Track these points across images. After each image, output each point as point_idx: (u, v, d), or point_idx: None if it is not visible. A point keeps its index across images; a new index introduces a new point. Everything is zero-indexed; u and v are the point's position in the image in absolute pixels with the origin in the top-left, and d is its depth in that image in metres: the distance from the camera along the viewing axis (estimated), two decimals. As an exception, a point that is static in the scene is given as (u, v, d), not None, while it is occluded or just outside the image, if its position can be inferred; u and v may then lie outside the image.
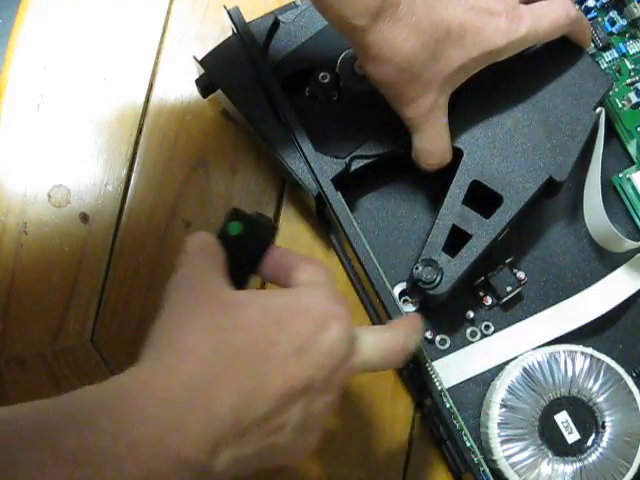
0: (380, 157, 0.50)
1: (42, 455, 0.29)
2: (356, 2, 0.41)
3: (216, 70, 0.50)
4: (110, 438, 0.30)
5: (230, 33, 0.52)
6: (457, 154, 0.49)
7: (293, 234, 0.54)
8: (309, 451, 0.37)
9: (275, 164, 0.54)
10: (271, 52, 0.51)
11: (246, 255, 0.41)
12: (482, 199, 0.48)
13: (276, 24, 0.51)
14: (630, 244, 0.49)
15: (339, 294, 0.39)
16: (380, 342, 0.39)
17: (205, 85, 0.51)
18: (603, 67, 0.54)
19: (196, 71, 0.53)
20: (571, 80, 0.50)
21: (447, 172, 0.49)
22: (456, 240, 0.48)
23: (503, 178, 0.48)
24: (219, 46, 0.51)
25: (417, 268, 0.47)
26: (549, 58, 0.49)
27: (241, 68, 0.50)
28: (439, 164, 0.48)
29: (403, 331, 0.41)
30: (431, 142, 0.47)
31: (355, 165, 0.49)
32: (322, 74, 0.50)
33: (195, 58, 0.50)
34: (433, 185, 0.51)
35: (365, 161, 0.50)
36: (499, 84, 0.49)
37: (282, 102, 0.48)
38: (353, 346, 0.37)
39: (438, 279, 0.47)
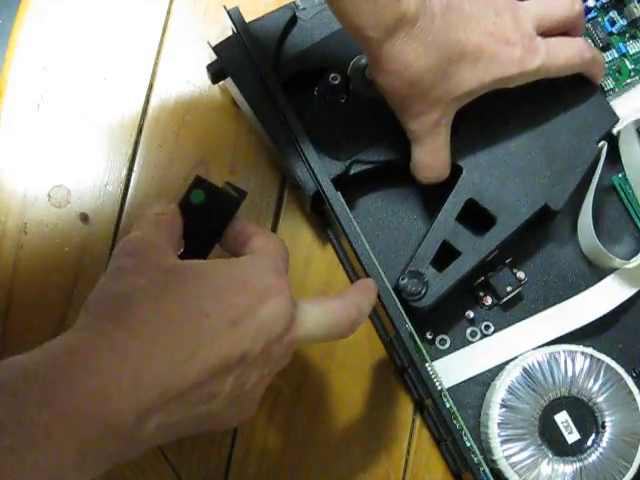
0: (380, 164, 0.50)
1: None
2: (373, 14, 0.41)
3: (228, 58, 0.50)
4: (39, 407, 0.30)
5: (231, 33, 0.52)
6: (456, 171, 0.49)
7: (293, 234, 0.54)
8: (242, 420, 0.38)
9: (275, 162, 0.54)
10: (285, 47, 0.51)
11: (207, 224, 0.41)
12: (476, 218, 0.49)
13: (293, 20, 0.51)
14: (619, 262, 0.50)
15: (283, 267, 0.39)
16: (324, 314, 0.39)
17: (216, 71, 0.51)
18: (603, 67, 0.54)
19: (208, 57, 0.52)
20: (578, 112, 0.50)
21: (445, 186, 0.49)
22: (445, 255, 0.48)
23: (499, 200, 0.48)
24: (233, 34, 0.51)
25: (403, 279, 0.47)
26: (559, 87, 0.49)
27: (252, 59, 0.50)
28: (435, 179, 0.49)
29: (352, 300, 0.41)
30: (429, 156, 0.48)
31: (354, 169, 0.50)
32: (333, 75, 0.50)
33: (209, 43, 0.50)
34: (432, 189, 0.51)
35: (365, 166, 0.50)
36: (507, 107, 0.50)
37: (283, 103, 0.48)
38: (293, 320, 0.37)
39: (423, 292, 0.47)
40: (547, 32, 0.48)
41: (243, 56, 0.50)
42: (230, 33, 0.52)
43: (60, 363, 0.32)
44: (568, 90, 0.50)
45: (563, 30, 0.49)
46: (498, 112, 0.50)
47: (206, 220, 0.41)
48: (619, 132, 0.51)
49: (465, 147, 0.49)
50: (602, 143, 0.50)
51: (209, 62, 0.51)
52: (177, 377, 0.33)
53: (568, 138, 0.50)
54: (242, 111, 0.54)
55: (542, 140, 0.50)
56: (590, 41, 0.54)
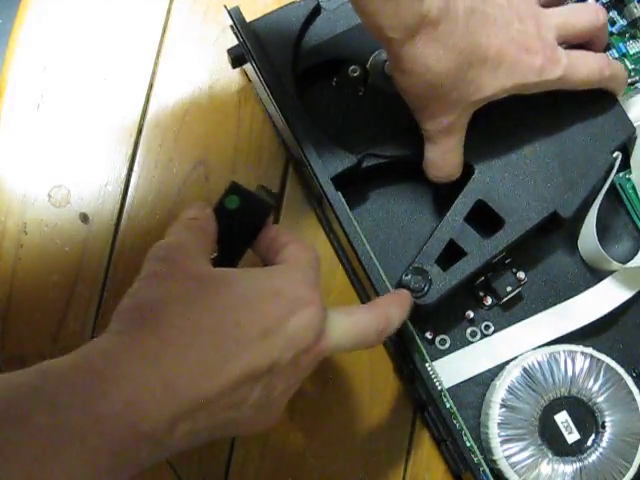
0: (393, 159, 0.50)
1: (13, 431, 0.29)
2: (395, 15, 0.41)
3: (249, 43, 0.50)
4: (75, 411, 0.30)
5: (230, 33, 0.52)
6: (468, 170, 0.49)
7: (293, 234, 0.53)
8: (266, 426, 0.38)
9: (281, 150, 0.54)
10: (307, 37, 0.51)
11: (241, 230, 0.41)
12: (484, 219, 0.49)
13: (317, 10, 0.51)
14: (616, 265, 0.50)
15: (315, 278, 0.39)
16: (353, 326, 0.39)
17: (236, 56, 0.51)
18: (603, 67, 0.54)
19: (217, 52, 0.53)
20: (595, 121, 0.50)
21: (455, 185, 0.49)
22: (451, 254, 0.48)
23: (508, 203, 0.48)
24: (256, 20, 0.51)
25: (407, 275, 0.47)
26: (578, 95, 0.49)
27: (273, 46, 0.50)
28: (446, 178, 0.49)
29: (383, 312, 0.41)
30: (442, 156, 0.48)
31: (366, 163, 0.49)
32: (352, 67, 0.50)
33: (232, 27, 0.51)
34: (437, 190, 0.51)
35: (377, 160, 0.50)
36: (524, 111, 0.49)
37: (289, 105, 0.48)
38: (323, 331, 0.37)
39: (426, 289, 0.47)
40: (569, 41, 0.48)
41: (266, 42, 0.50)
42: (230, 33, 0.52)
43: (95, 369, 0.32)
44: (586, 98, 0.50)
45: (586, 40, 0.49)
46: (515, 115, 0.50)
47: (240, 226, 0.41)
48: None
49: (479, 148, 0.49)
50: (617, 154, 0.50)
51: (230, 47, 0.51)
52: (207, 386, 0.33)
53: (583, 146, 0.49)
54: (259, 97, 0.54)
55: (556, 146, 0.49)
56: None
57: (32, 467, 0.29)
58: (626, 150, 0.52)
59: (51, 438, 0.29)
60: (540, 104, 0.49)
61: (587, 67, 0.48)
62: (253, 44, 0.49)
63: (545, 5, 0.48)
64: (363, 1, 0.41)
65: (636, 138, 0.51)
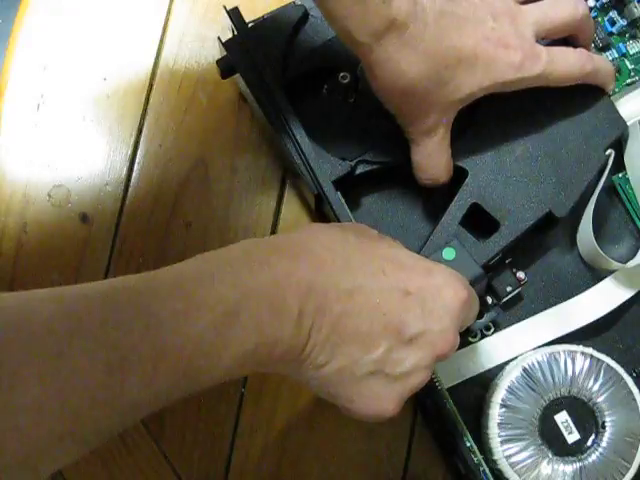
0: (385, 165, 0.50)
1: (183, 303, 0.32)
2: (363, 19, 0.41)
3: (237, 54, 0.50)
4: (229, 287, 0.34)
5: (230, 33, 0.52)
6: (461, 174, 0.49)
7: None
8: (375, 413, 0.39)
9: (280, 160, 0.54)
10: (295, 44, 0.51)
11: None
12: (480, 222, 0.49)
13: (305, 17, 0.51)
14: (614, 264, 0.50)
15: (468, 295, 0.41)
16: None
17: (225, 67, 0.51)
18: (603, 67, 0.54)
19: (211, 55, 0.53)
20: (586, 119, 0.50)
21: (448, 188, 0.49)
22: None
23: (503, 205, 0.48)
24: (244, 31, 0.51)
25: None
26: (569, 93, 0.49)
27: (262, 55, 0.50)
28: (434, 181, 0.49)
29: None
30: (426, 158, 0.48)
31: (360, 169, 0.50)
32: (342, 74, 0.50)
33: (219, 39, 0.50)
34: (434, 193, 0.51)
35: (370, 167, 0.50)
36: (514, 112, 0.49)
37: (284, 105, 0.48)
38: (456, 333, 0.40)
39: None
40: (550, 36, 0.48)
41: (251, 52, 0.50)
42: (230, 33, 0.52)
43: (247, 258, 0.36)
44: (577, 96, 0.49)
45: (568, 33, 0.49)
46: (506, 117, 0.49)
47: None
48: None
49: (471, 150, 0.49)
50: (609, 151, 0.50)
51: (219, 57, 0.51)
52: (340, 296, 0.37)
53: (575, 145, 0.49)
54: (250, 106, 0.54)
55: (549, 146, 0.49)
56: (590, 41, 0.54)
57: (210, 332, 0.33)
58: (619, 147, 0.52)
59: (213, 309, 0.33)
60: (530, 105, 0.49)
61: (567, 63, 0.48)
62: (242, 58, 0.49)
63: (523, 2, 0.48)
64: (332, 6, 0.41)
65: (628, 135, 0.51)
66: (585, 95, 0.50)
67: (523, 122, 0.50)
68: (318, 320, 0.36)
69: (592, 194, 0.50)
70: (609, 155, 0.50)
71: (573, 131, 0.49)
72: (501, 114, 0.49)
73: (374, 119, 0.50)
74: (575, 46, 0.49)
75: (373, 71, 0.44)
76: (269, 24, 0.51)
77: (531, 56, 0.46)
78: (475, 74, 0.45)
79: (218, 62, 0.51)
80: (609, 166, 0.50)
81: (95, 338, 0.30)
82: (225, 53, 0.51)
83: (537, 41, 0.47)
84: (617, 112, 0.50)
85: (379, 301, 0.38)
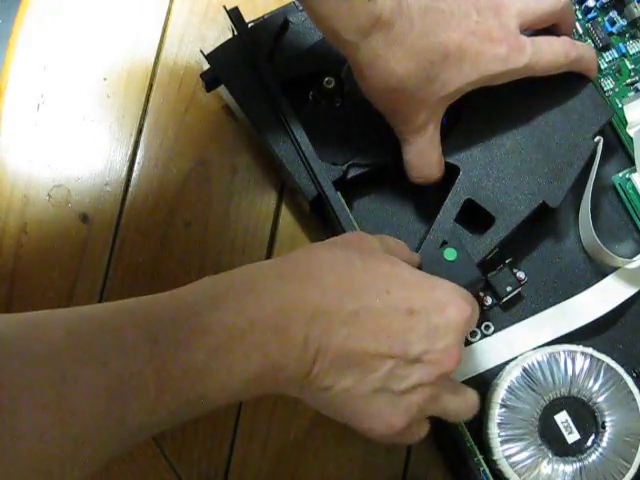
0: (377, 167, 0.50)
1: (187, 330, 0.33)
2: (349, 17, 0.41)
3: (221, 66, 0.50)
4: (235, 314, 0.34)
5: (230, 33, 0.52)
6: (454, 171, 0.49)
7: (293, 233, 0.54)
8: (383, 430, 0.39)
9: (272, 167, 0.54)
10: (278, 53, 0.51)
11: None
12: (475, 217, 0.49)
13: (285, 25, 0.51)
14: (618, 260, 0.50)
15: (472, 311, 0.42)
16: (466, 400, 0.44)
17: (209, 80, 0.51)
18: (603, 67, 0.54)
19: (202, 65, 0.52)
20: (573, 107, 0.50)
21: (444, 185, 0.49)
22: None
23: (497, 199, 0.48)
24: (226, 42, 0.51)
25: None
26: (554, 83, 0.49)
27: (246, 66, 0.50)
28: (427, 179, 0.49)
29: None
30: (417, 156, 0.48)
31: (352, 172, 0.50)
32: (327, 79, 0.50)
33: (202, 52, 0.50)
34: (430, 191, 0.51)
35: (362, 170, 0.50)
36: (501, 105, 0.49)
37: (284, 105, 0.48)
38: (459, 350, 0.40)
39: None
40: (533, 27, 0.48)
41: (236, 63, 0.50)
42: (229, 33, 0.52)
43: (251, 285, 0.36)
44: (562, 86, 0.50)
45: (551, 24, 0.49)
46: (493, 111, 0.49)
47: (445, 277, 0.43)
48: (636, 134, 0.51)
49: (461, 147, 0.49)
50: (598, 138, 0.50)
51: (202, 71, 0.51)
52: (345, 319, 0.37)
53: (564, 134, 0.49)
54: (237, 118, 0.54)
55: (538, 137, 0.49)
56: (590, 41, 0.54)
57: (210, 357, 0.33)
58: (607, 133, 0.52)
59: (217, 334, 0.33)
60: (517, 97, 0.49)
61: (552, 51, 0.48)
62: (226, 69, 0.49)
63: None
64: (317, 6, 0.41)
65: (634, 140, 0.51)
66: (570, 84, 0.50)
67: (511, 115, 0.50)
68: (324, 345, 0.36)
69: (586, 185, 0.50)
70: (597, 142, 0.50)
71: (560, 120, 0.50)
72: (488, 108, 0.49)
73: (362, 122, 0.50)
74: (558, 35, 0.49)
75: (361, 71, 0.44)
76: (250, 35, 0.50)
77: (516, 48, 0.46)
78: (462, 69, 0.45)
79: (202, 76, 0.51)
80: (599, 154, 0.50)
81: (98, 364, 0.30)
82: (209, 66, 0.51)
83: (521, 32, 0.47)
84: (603, 99, 0.51)
85: (384, 322, 0.38)
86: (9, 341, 0.29)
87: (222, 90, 0.52)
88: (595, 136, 0.50)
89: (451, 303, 0.40)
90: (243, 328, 0.34)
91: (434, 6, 0.44)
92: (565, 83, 0.50)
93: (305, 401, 0.39)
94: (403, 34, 0.42)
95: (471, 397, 0.43)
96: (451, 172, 0.49)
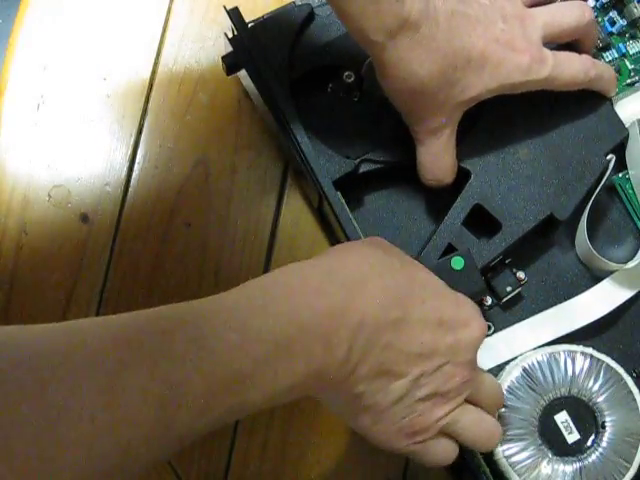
0: (389, 164, 0.50)
1: (237, 335, 0.32)
2: (376, 18, 0.41)
3: (244, 50, 0.50)
4: (282, 322, 0.34)
5: (230, 33, 0.52)
6: (464, 175, 0.49)
7: (293, 232, 0.54)
8: (392, 442, 0.40)
9: (285, 152, 0.53)
10: (301, 43, 0.51)
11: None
12: (481, 223, 0.49)
13: (311, 16, 0.51)
14: (611, 265, 0.50)
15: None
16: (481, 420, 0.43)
17: (231, 63, 0.51)
18: (603, 67, 0.54)
19: (224, 48, 0.52)
20: (589, 123, 0.50)
21: (453, 188, 0.49)
22: None
23: (505, 206, 0.49)
24: (250, 27, 0.51)
25: None
26: (571, 98, 0.49)
27: (268, 52, 0.50)
28: (439, 182, 0.49)
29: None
30: (431, 158, 0.48)
31: (364, 168, 0.50)
32: (347, 73, 0.50)
33: (226, 35, 0.50)
34: (437, 193, 0.51)
35: (374, 166, 0.50)
36: (518, 115, 0.50)
37: (286, 105, 0.48)
38: (475, 366, 0.42)
39: None
40: (556, 40, 0.48)
41: (257, 49, 0.50)
42: (230, 33, 0.52)
43: (302, 287, 0.36)
44: (579, 101, 0.50)
45: (573, 38, 0.49)
46: (509, 119, 0.50)
47: (460, 285, 0.43)
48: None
49: (474, 152, 0.49)
50: (610, 156, 0.50)
51: (224, 54, 0.51)
52: (387, 327, 0.37)
53: (577, 149, 0.50)
54: (254, 102, 0.54)
55: (551, 149, 0.50)
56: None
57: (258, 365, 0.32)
58: (620, 151, 0.52)
59: (268, 343, 0.33)
60: (534, 108, 0.49)
61: (573, 68, 0.48)
62: (249, 54, 0.49)
63: (531, 5, 0.48)
64: (345, 5, 0.41)
65: (629, 136, 0.51)
66: (587, 100, 0.50)
67: (526, 125, 0.50)
68: (365, 354, 0.36)
69: (589, 200, 0.50)
70: (610, 160, 0.50)
71: (575, 135, 0.50)
72: (505, 116, 0.49)
73: (378, 119, 0.50)
74: (578, 51, 0.50)
75: (385, 70, 0.44)
76: (274, 23, 0.51)
77: (538, 59, 0.46)
78: (483, 75, 0.45)
79: (224, 58, 0.51)
80: (609, 171, 0.50)
81: (146, 371, 0.29)
82: (230, 49, 0.50)
83: (544, 45, 0.47)
84: (618, 118, 0.51)
85: (417, 331, 0.38)
86: (51, 351, 0.28)
87: (242, 74, 0.52)
88: (608, 154, 0.50)
89: (474, 319, 0.41)
90: (292, 335, 0.33)
91: (461, 10, 0.44)
92: (583, 99, 0.50)
93: (323, 402, 0.39)
94: (428, 37, 0.42)
95: (493, 430, 0.44)
96: (462, 176, 0.49)
